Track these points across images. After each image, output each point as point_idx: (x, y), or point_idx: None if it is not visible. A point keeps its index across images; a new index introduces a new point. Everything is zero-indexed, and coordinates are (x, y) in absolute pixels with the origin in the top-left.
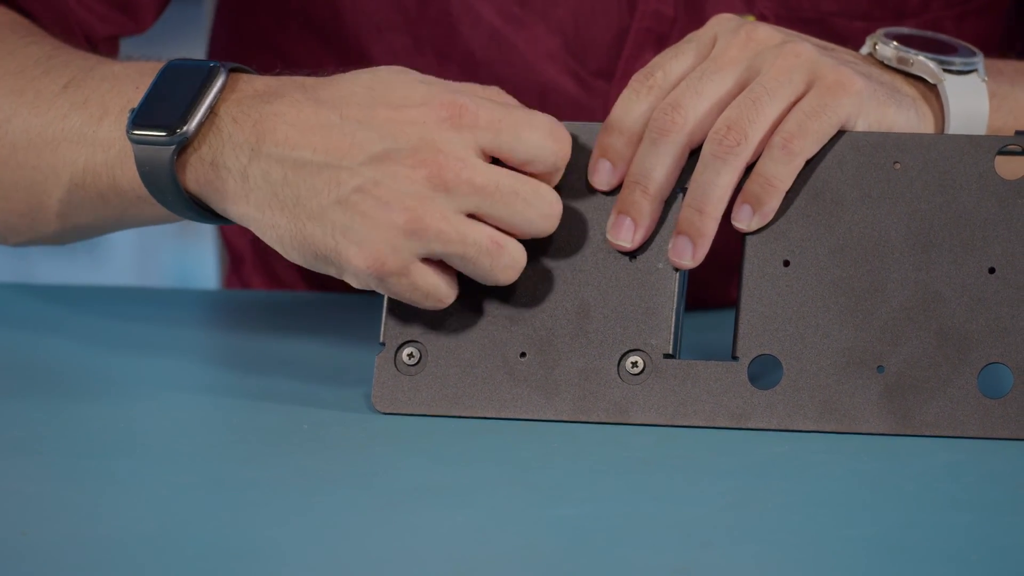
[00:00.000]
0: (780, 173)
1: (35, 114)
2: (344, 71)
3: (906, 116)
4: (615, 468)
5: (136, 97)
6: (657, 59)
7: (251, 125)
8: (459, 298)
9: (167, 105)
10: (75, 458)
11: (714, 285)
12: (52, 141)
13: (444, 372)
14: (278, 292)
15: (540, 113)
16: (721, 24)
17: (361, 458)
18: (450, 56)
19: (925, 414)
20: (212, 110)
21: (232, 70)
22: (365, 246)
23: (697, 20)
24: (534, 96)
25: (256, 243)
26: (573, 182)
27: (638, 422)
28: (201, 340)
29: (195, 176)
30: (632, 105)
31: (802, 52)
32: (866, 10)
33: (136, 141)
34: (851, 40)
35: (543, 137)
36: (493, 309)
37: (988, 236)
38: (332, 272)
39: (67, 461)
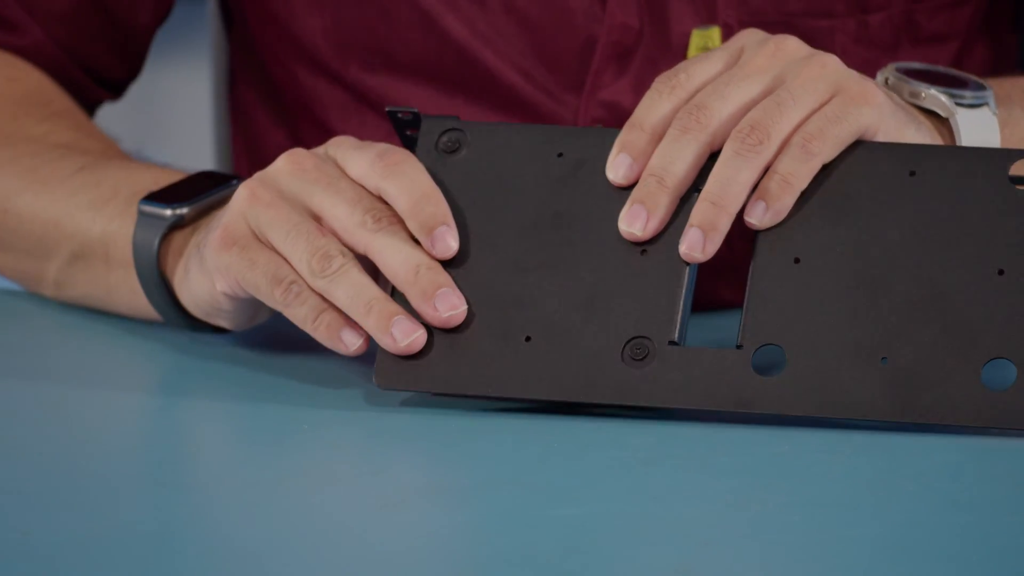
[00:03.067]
0: (797, 171)
1: (45, 191)
2: (329, 93)
3: (923, 139)
4: (615, 468)
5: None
6: (682, 63)
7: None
8: (467, 284)
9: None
10: (76, 458)
11: (706, 284)
12: (55, 217)
13: (447, 352)
14: None
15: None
16: (749, 37)
17: (361, 458)
18: (420, 72)
19: (927, 402)
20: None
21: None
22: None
23: (662, 31)
24: (504, 111)
25: None
26: (587, 175)
27: (641, 404)
28: (200, 340)
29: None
30: (656, 104)
31: (828, 64)
32: (829, 7)
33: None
34: (817, 39)
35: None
36: (500, 294)
37: (999, 245)
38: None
39: (67, 461)
